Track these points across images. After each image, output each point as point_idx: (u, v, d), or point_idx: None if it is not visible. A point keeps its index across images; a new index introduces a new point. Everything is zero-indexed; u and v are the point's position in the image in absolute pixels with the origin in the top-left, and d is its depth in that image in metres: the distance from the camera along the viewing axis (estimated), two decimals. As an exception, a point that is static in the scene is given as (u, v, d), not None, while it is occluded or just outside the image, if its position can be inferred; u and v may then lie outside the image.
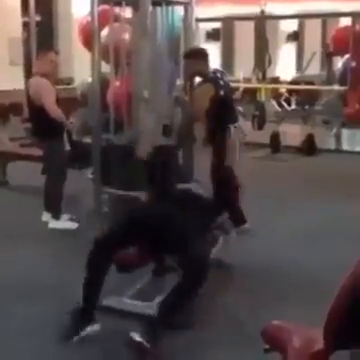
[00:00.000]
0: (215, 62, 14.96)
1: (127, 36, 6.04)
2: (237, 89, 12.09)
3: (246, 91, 11.64)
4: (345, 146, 10.12)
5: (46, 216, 5.57)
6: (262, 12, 9.88)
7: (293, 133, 10.09)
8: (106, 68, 6.13)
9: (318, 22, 17.48)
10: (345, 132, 10.48)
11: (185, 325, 3.48)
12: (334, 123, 10.42)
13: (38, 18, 11.37)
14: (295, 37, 17.56)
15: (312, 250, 4.92)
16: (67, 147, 6.16)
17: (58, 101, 5.40)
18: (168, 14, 5.80)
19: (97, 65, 5.83)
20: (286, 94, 12.07)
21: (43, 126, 5.37)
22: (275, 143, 9.60)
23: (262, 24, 10.63)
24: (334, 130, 10.40)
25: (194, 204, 3.81)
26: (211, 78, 5.29)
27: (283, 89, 12.26)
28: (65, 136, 5.86)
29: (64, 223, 5.52)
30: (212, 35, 14.67)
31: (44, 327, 3.64)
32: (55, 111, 5.25)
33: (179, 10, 6.01)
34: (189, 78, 5.81)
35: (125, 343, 3.22)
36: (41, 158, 5.76)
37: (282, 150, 9.48)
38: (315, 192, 6.83)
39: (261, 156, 9.22)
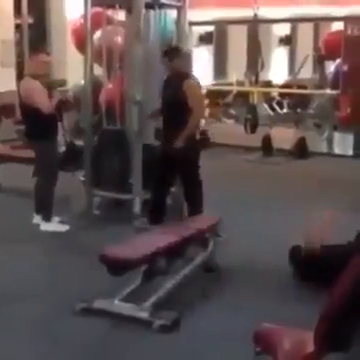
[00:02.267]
0: (208, 65, 14.99)
1: (120, 39, 6.04)
2: (230, 92, 12.13)
3: (239, 94, 11.66)
4: (337, 150, 10.15)
5: (37, 218, 5.55)
6: (255, 16, 9.91)
7: (285, 136, 10.10)
8: (99, 70, 6.13)
9: (310, 26, 17.54)
10: (337, 136, 10.51)
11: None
12: (326, 127, 10.46)
13: (31, 20, 11.35)
14: (287, 41, 17.61)
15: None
16: (62, 148, 6.15)
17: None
18: (161, 17, 5.81)
19: (90, 67, 5.82)
20: (278, 97, 12.10)
21: (35, 128, 5.35)
22: (267, 146, 9.62)
23: (255, 28, 10.68)
24: (326, 134, 10.43)
25: None
26: (193, 76, 5.28)
27: (275, 92, 12.29)
28: (61, 137, 5.85)
29: (55, 225, 5.50)
30: (205, 38, 14.66)
31: (38, 328, 3.63)
32: (49, 107, 5.22)
33: (172, 13, 6.03)
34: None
35: None
36: (32, 160, 5.74)
37: (274, 153, 9.50)
38: (306, 195, 6.85)
39: (253, 159, 9.23)
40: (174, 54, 5.25)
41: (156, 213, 5.40)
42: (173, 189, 5.98)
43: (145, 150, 5.68)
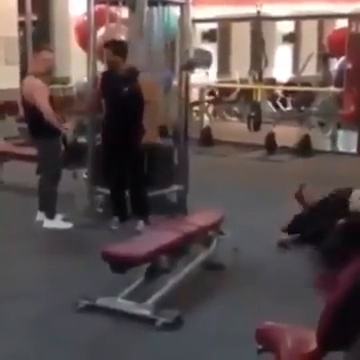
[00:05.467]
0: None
1: (123, 36, 6.04)
2: (233, 90, 12.11)
3: (242, 92, 11.64)
4: (340, 147, 10.13)
5: (40, 216, 5.55)
6: (258, 13, 9.89)
7: (289, 134, 10.09)
8: (102, 68, 6.12)
9: (314, 23, 17.50)
10: (341, 133, 10.49)
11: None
12: (330, 124, 10.43)
13: (34, 17, 11.35)
14: (291, 38, 17.59)
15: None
16: (62, 148, 6.14)
17: (52, 100, 5.38)
18: (164, 14, 5.80)
19: (93, 65, 5.82)
20: (282, 95, 12.08)
21: (38, 125, 5.35)
22: (271, 144, 9.60)
23: (258, 25, 10.64)
24: (330, 131, 10.41)
25: None
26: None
27: (279, 90, 12.27)
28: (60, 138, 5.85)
29: (58, 223, 5.50)
30: (208, 36, 14.66)
31: (41, 325, 3.64)
32: (48, 113, 5.23)
33: (175, 11, 6.02)
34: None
35: None
36: (35, 157, 5.74)
37: (278, 151, 9.48)
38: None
39: (257, 157, 9.22)
40: (127, 51, 5.29)
41: (120, 209, 5.48)
42: (177, 187, 5.97)
43: (148, 149, 5.67)
